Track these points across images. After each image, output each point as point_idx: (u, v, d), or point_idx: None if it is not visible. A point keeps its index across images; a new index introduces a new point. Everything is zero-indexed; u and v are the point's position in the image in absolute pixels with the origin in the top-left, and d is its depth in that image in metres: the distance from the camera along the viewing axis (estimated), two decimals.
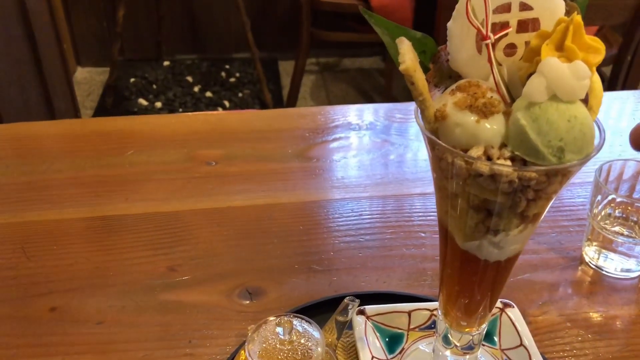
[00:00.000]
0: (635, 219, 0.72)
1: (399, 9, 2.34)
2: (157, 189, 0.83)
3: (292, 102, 2.72)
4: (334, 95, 2.88)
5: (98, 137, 0.95)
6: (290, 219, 0.79)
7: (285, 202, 0.82)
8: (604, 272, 0.71)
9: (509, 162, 0.37)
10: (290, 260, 0.72)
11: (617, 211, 0.72)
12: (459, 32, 0.40)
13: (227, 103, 2.70)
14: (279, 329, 0.50)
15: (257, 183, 0.85)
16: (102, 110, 2.60)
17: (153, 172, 0.87)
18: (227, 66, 2.96)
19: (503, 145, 0.38)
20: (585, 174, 0.83)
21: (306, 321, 0.52)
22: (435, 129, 0.40)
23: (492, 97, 0.38)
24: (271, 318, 0.52)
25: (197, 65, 2.95)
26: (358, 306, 0.60)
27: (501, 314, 0.61)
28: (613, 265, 0.71)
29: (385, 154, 0.92)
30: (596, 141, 0.40)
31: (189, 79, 2.84)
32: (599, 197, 0.70)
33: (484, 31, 0.38)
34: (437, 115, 0.39)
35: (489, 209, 0.40)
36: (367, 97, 2.90)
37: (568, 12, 0.41)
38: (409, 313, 0.62)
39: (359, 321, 0.60)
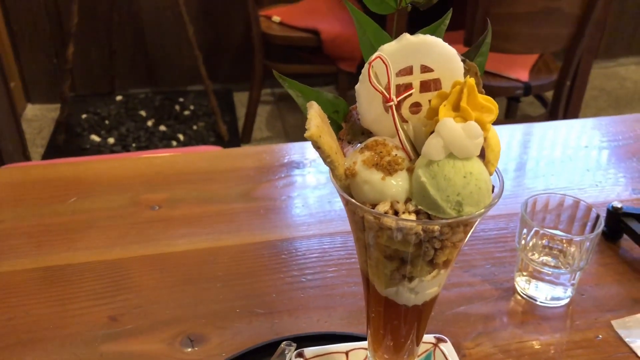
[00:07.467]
0: (560, 247, 0.75)
1: (348, 41, 2.40)
2: (100, 236, 0.84)
3: (247, 133, 2.74)
4: (290, 125, 2.91)
5: (41, 184, 0.94)
6: (234, 262, 0.80)
7: (229, 244, 0.83)
8: (535, 302, 0.75)
9: (413, 216, 0.39)
10: (233, 305, 0.73)
11: (544, 241, 0.76)
12: (366, 94, 0.43)
13: (181, 137, 2.70)
14: None
15: (201, 226, 0.86)
16: (54, 148, 2.56)
17: (96, 219, 0.87)
18: (181, 99, 2.96)
19: (408, 200, 0.40)
20: (517, 206, 0.86)
21: None
22: (347, 185, 0.42)
23: (396, 155, 0.41)
24: None
25: (150, 99, 2.94)
26: (296, 349, 0.62)
27: (434, 350, 0.64)
28: (543, 294, 0.74)
29: (331, 192, 0.95)
30: (496, 190, 0.43)
31: (142, 113, 2.82)
32: (525, 230, 0.73)
33: (387, 95, 0.41)
34: (347, 174, 0.41)
35: (402, 258, 0.43)
36: None
37: (467, 71, 0.44)
38: (347, 353, 0.63)
39: None
